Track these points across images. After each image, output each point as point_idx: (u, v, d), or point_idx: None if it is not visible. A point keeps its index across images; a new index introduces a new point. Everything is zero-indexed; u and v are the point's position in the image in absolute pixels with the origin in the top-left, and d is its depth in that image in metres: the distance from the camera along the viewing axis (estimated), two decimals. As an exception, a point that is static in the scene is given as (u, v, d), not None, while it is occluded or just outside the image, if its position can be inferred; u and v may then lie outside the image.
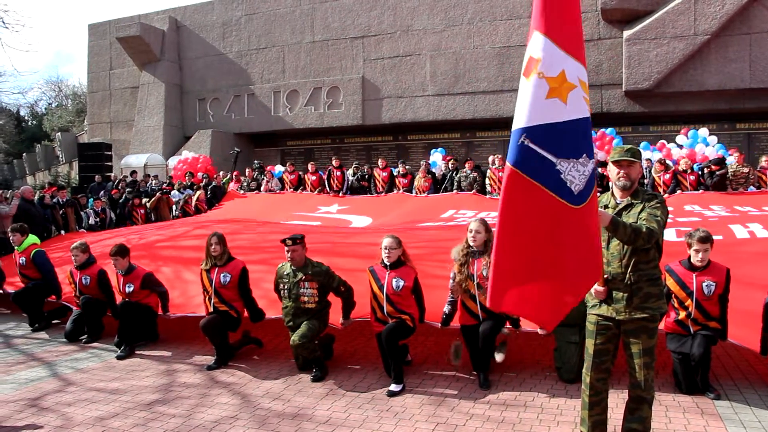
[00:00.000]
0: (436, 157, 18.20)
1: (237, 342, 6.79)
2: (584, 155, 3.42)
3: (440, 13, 20.90)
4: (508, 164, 3.39)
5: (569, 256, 3.43)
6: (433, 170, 16.05)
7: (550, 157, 3.35)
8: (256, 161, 20.48)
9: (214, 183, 16.75)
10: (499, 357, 5.73)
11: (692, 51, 17.42)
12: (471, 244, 5.64)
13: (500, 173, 14.52)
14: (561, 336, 5.64)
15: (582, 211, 3.42)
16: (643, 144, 16.71)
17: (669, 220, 3.83)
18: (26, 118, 53.76)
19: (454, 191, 14.31)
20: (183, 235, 10.23)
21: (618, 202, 3.87)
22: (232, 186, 17.07)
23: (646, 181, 13.51)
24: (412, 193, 14.86)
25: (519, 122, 3.38)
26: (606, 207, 3.88)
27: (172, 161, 22.32)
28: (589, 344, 3.93)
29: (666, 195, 12.15)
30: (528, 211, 3.37)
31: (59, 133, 37.40)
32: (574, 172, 3.39)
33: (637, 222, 3.67)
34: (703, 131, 16.20)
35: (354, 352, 6.77)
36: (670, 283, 5.37)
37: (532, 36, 3.45)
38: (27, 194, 13.17)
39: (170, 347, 7.19)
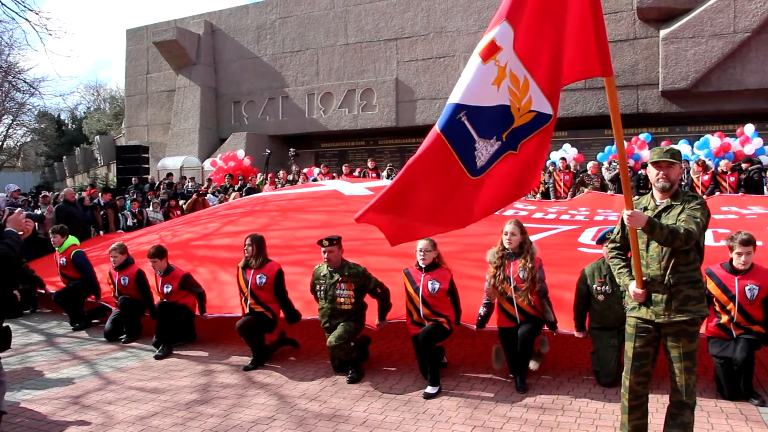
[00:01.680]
0: None
1: (273, 343, 6.84)
2: (495, 137, 3.88)
3: (474, 14, 20.84)
4: (436, 128, 3.80)
5: (443, 206, 4.03)
6: None
7: (474, 134, 3.79)
8: (291, 149, 20.66)
9: (249, 185, 16.90)
10: (534, 365, 5.68)
11: (731, 49, 17.11)
12: (506, 246, 5.61)
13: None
14: (599, 339, 5.58)
15: (475, 181, 3.95)
16: (703, 139, 16.28)
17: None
18: (66, 122, 54.90)
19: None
20: (215, 233, 10.32)
21: (657, 203, 3.81)
22: (266, 188, 17.21)
23: (683, 182, 13.30)
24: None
25: (462, 98, 3.74)
26: (645, 209, 3.82)
27: (208, 163, 22.60)
28: (629, 347, 3.87)
29: (704, 197, 11.94)
30: (432, 167, 3.86)
31: (98, 137, 38.12)
32: (484, 150, 3.89)
33: (675, 223, 3.61)
34: (749, 128, 15.80)
35: (390, 353, 6.77)
36: (711, 286, 5.28)
37: (501, 23, 3.68)
38: (68, 196, 13.45)
39: (207, 347, 7.27)
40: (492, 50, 3.68)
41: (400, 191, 3.96)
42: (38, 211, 12.97)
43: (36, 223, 12.71)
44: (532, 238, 6.31)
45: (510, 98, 3.86)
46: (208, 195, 16.61)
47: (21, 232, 4.42)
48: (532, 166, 4.19)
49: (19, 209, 4.46)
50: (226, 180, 17.90)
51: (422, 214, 4.06)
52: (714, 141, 15.61)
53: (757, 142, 15.54)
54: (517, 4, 3.71)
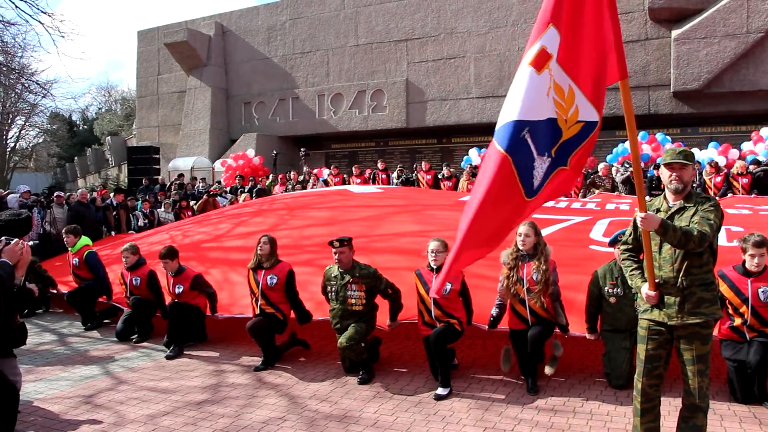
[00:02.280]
0: (473, 153, 18.20)
1: (284, 344, 6.85)
2: (546, 153, 3.66)
3: (484, 15, 20.81)
4: (500, 149, 3.54)
5: (500, 230, 3.86)
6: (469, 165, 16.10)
7: (534, 152, 3.56)
8: (302, 150, 20.73)
9: (259, 186, 16.94)
10: (549, 370, 5.66)
11: (744, 49, 17.00)
12: (520, 247, 5.59)
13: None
14: (611, 341, 5.55)
15: (529, 203, 3.76)
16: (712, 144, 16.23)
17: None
18: (78, 123, 55.23)
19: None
20: (226, 234, 10.36)
21: (670, 205, 3.79)
22: (277, 188, 17.25)
23: (695, 184, 13.22)
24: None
25: (521, 114, 3.51)
26: (658, 210, 3.80)
27: (218, 164, 22.68)
28: (641, 350, 3.85)
29: (717, 198, 11.87)
30: (499, 194, 3.64)
31: (109, 137, 38.35)
32: (540, 169, 3.65)
33: (689, 225, 3.59)
34: (765, 131, 15.68)
35: (400, 354, 6.77)
36: (724, 289, 5.23)
37: (548, 28, 3.50)
38: (81, 197, 13.55)
39: (218, 348, 7.29)
40: (544, 58, 3.51)
41: (480, 223, 3.69)
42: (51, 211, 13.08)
43: (48, 224, 12.83)
44: (543, 231, 6.29)
45: (556, 110, 3.68)
46: (219, 197, 16.66)
47: (15, 262, 4.32)
48: (576, 174, 4.05)
49: (15, 240, 4.36)
50: (237, 181, 17.95)
51: (484, 239, 3.86)
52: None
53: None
54: (557, 7, 3.54)
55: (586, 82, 3.70)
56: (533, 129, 3.48)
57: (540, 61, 3.49)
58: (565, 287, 5.75)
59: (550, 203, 9.93)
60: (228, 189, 17.81)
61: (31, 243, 11.18)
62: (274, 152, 21.19)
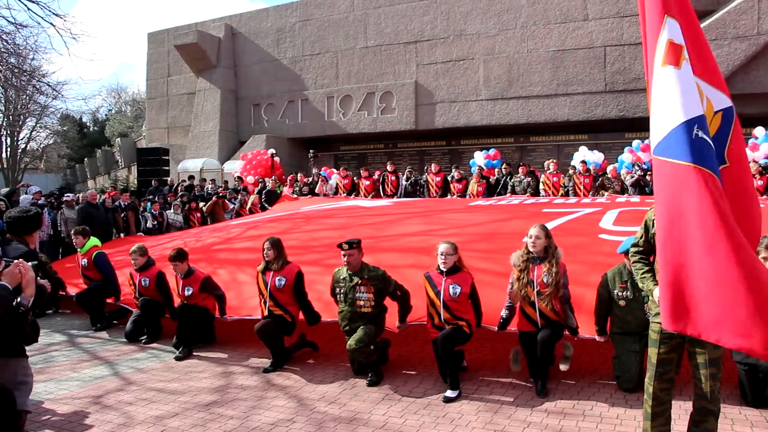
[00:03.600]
0: (478, 156, 18.23)
1: (293, 345, 6.84)
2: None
3: (493, 17, 20.79)
4: (685, 163, 3.08)
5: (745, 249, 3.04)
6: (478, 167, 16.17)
7: (710, 142, 3.14)
8: (311, 151, 20.80)
9: (268, 187, 16.96)
10: (564, 366, 5.63)
11: (755, 51, 16.94)
12: (531, 249, 5.56)
13: (554, 178, 14.36)
14: (621, 344, 5.52)
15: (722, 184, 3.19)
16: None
17: None
18: (88, 124, 55.52)
19: (508, 195, 14.21)
20: (237, 237, 10.41)
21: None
22: (285, 190, 17.30)
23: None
24: (466, 197, 14.82)
25: (683, 115, 3.11)
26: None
27: (228, 165, 22.74)
28: (653, 353, 3.83)
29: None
30: (725, 205, 3.07)
31: (119, 139, 38.52)
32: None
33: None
34: (759, 130, 15.60)
35: (409, 357, 6.75)
36: (736, 291, 5.19)
37: (665, 20, 3.21)
38: (91, 198, 13.60)
39: (227, 349, 7.30)
40: (677, 51, 3.19)
41: (750, 265, 3.00)
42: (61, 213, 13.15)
43: (63, 223, 12.89)
44: (553, 223, 6.23)
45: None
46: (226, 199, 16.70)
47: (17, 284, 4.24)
48: (741, 168, 3.56)
49: (16, 261, 4.28)
50: (236, 182, 18.07)
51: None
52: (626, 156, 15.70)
53: (765, 147, 15.35)
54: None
55: (705, 70, 3.45)
56: (702, 122, 3.12)
57: (675, 56, 3.18)
58: (573, 281, 5.72)
59: (560, 200, 9.92)
60: (240, 188, 17.83)
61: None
62: (272, 151, 21.20)
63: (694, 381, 3.75)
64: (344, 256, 6.09)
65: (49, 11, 13.25)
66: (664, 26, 3.22)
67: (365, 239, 6.61)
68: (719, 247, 2.99)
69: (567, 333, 5.68)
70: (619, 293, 5.50)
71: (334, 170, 19.62)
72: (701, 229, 3.04)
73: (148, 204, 15.09)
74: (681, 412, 4.60)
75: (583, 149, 17.40)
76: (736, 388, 5.24)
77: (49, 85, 19.50)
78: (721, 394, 3.78)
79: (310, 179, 17.62)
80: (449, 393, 5.42)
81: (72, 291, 9.01)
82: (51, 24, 13.55)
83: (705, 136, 3.10)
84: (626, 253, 5.49)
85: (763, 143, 15.62)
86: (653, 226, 3.65)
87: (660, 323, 3.78)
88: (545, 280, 5.43)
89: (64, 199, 13.81)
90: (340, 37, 23.49)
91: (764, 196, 12.45)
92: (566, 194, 14.25)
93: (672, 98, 3.16)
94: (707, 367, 3.65)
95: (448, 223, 9.02)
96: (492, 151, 18.42)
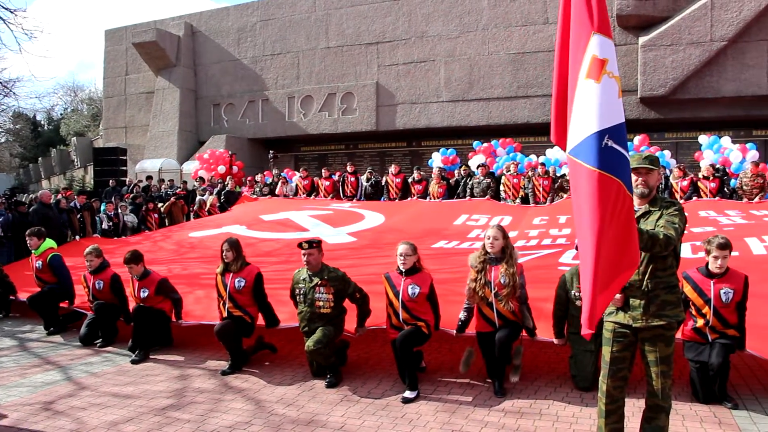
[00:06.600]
0: (436, 157, 18.32)
1: (251, 347, 6.78)
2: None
3: (455, 19, 20.93)
4: (590, 167, 3.31)
5: (630, 249, 3.36)
6: (434, 168, 16.26)
7: (625, 153, 3.36)
8: (270, 152, 20.68)
9: (228, 188, 16.79)
10: (514, 378, 5.66)
11: (709, 57, 17.34)
12: (488, 250, 5.60)
13: (514, 179, 14.49)
14: (576, 344, 5.60)
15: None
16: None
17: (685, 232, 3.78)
18: (42, 122, 54.31)
19: (467, 197, 14.29)
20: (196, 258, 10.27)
21: (636, 209, 3.82)
22: (245, 191, 17.15)
23: (661, 187, 13.41)
24: (426, 199, 14.85)
25: (596, 125, 3.33)
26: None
27: (187, 166, 22.47)
28: (606, 352, 3.88)
29: (682, 201, 12.07)
30: (614, 210, 3.28)
31: (75, 138, 37.75)
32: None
33: (654, 229, 3.62)
34: (726, 140, 15.99)
35: (368, 358, 6.74)
36: (688, 290, 5.32)
37: (591, 37, 3.41)
38: (44, 198, 13.25)
39: (184, 352, 7.20)
40: (599, 66, 3.38)
41: (607, 251, 3.27)
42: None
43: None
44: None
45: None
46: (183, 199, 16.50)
47: None
48: None
49: None
50: (197, 182, 17.80)
51: (619, 264, 3.39)
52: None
53: (709, 154, 15.73)
54: (595, 14, 3.41)
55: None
56: (614, 132, 3.33)
57: (597, 71, 3.38)
58: (534, 299, 5.79)
59: (521, 242, 9.97)
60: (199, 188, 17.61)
61: None
62: (230, 152, 21.02)
63: (646, 379, 3.81)
64: (304, 255, 6.06)
65: (1, 6, 12.89)
66: (590, 42, 3.40)
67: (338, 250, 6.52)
68: (589, 254, 3.26)
69: (524, 335, 5.73)
70: (577, 293, 5.56)
71: (296, 172, 19.52)
72: (583, 233, 3.33)
73: (102, 205, 14.80)
74: (635, 409, 4.68)
75: (550, 152, 17.54)
76: (688, 385, 5.37)
77: (0, 82, 18.99)
78: (672, 391, 3.85)
79: (270, 180, 17.47)
80: (408, 394, 5.43)
81: (23, 296, 8.73)
82: (1, 19, 13.18)
83: (617, 146, 3.32)
84: None
85: (706, 150, 16.03)
86: None
87: (612, 322, 3.86)
88: (502, 281, 5.47)
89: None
90: (302, 37, 23.38)
91: (716, 198, 12.77)
92: (525, 196, 14.41)
93: (589, 109, 3.38)
94: (658, 365, 3.72)
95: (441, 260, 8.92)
96: (451, 156, 18.51)
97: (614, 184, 3.29)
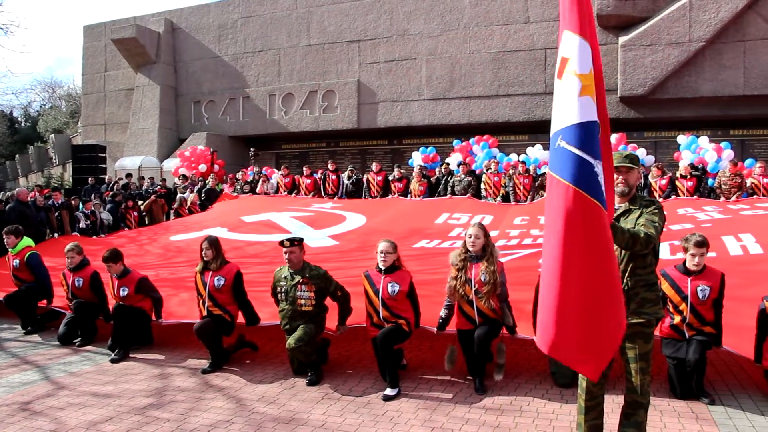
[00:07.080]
0: (416, 156, 18.35)
1: (231, 346, 6.76)
2: (598, 158, 3.23)
3: (436, 17, 20.94)
4: (553, 174, 3.22)
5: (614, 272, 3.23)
6: (413, 166, 16.28)
7: (588, 158, 3.15)
8: (251, 150, 20.59)
9: (209, 186, 16.68)
10: (497, 376, 5.68)
11: (687, 57, 17.51)
12: (469, 248, 5.62)
13: (495, 178, 14.55)
14: (557, 341, 5.62)
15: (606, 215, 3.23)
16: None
17: (663, 230, 3.82)
18: (19, 119, 53.61)
19: (448, 196, 14.33)
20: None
21: (616, 207, 3.86)
22: (226, 189, 17.06)
23: (641, 186, 13.53)
24: (407, 197, 14.86)
25: (555, 126, 3.27)
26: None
27: (167, 163, 22.29)
28: (586, 349, 3.91)
29: (660, 200, 12.19)
30: (573, 218, 3.12)
31: (53, 135, 37.31)
32: (601, 176, 3.21)
33: (634, 228, 3.66)
34: (703, 140, 16.20)
35: (349, 356, 6.75)
36: (665, 287, 5.38)
37: (562, 36, 3.35)
38: (22, 196, 13.08)
39: (164, 351, 7.15)
40: (562, 65, 3.30)
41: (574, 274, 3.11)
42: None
43: None
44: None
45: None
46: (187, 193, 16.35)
47: None
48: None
49: None
50: (180, 180, 17.66)
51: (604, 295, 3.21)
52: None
53: (687, 154, 15.93)
54: (571, 13, 3.33)
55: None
56: (568, 133, 3.17)
57: (560, 69, 3.32)
58: (517, 301, 5.82)
59: (502, 241, 9.99)
60: (181, 186, 17.48)
61: None
62: (211, 150, 20.89)
63: (625, 375, 3.86)
64: (285, 253, 6.04)
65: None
66: (562, 42, 3.36)
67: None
68: (554, 267, 3.16)
69: (505, 333, 5.75)
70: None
71: (275, 170, 19.45)
72: (548, 243, 3.25)
73: (80, 203, 14.63)
74: (614, 405, 4.73)
75: (531, 150, 17.63)
76: (666, 381, 5.43)
77: (-26, 78, 18.72)
78: (651, 388, 3.90)
79: (251, 178, 17.39)
80: (388, 391, 5.44)
81: (-1, 295, 8.61)
82: (-25, 13, 12.98)
83: (571, 148, 3.16)
84: None
85: (684, 150, 16.21)
86: None
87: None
88: (483, 279, 5.49)
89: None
90: (283, 34, 23.28)
91: (694, 197, 12.92)
92: (506, 195, 14.47)
93: (553, 112, 3.35)
94: (637, 362, 3.77)
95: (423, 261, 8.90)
96: (431, 154, 18.56)
97: (561, 186, 3.16)
